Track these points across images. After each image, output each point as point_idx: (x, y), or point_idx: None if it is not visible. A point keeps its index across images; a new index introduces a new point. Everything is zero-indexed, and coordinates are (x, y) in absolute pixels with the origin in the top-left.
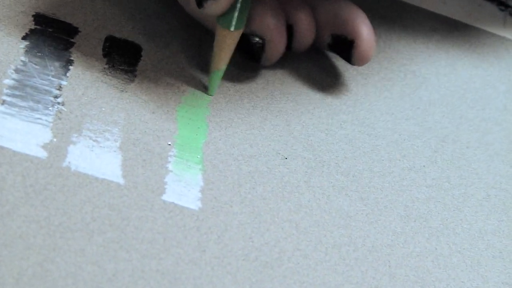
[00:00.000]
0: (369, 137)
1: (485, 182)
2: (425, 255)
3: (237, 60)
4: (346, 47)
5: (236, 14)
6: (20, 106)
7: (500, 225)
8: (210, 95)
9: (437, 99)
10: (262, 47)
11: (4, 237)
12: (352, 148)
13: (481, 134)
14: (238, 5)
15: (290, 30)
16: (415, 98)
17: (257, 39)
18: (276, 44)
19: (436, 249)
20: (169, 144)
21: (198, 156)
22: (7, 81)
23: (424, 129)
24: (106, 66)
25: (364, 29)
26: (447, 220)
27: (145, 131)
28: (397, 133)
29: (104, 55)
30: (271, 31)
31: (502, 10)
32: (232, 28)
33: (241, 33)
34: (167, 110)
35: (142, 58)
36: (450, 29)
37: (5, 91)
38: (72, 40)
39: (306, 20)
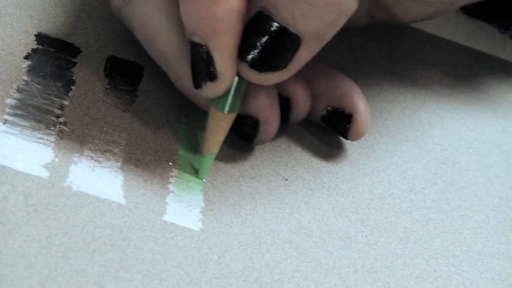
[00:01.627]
0: (369, 158)
1: (484, 205)
2: (424, 277)
3: None
4: (343, 121)
5: (231, 96)
6: (22, 126)
7: (499, 248)
8: (200, 179)
9: (436, 121)
10: (256, 127)
11: (6, 257)
12: (352, 170)
13: (481, 156)
14: (233, 88)
15: (286, 103)
16: (415, 120)
17: (251, 120)
18: (270, 125)
19: (436, 271)
20: (170, 165)
21: (199, 177)
22: (9, 101)
23: (424, 151)
24: (108, 86)
25: (362, 104)
26: (446, 242)
27: (146, 151)
28: (397, 155)
29: (106, 75)
30: (266, 112)
31: (502, 33)
32: (226, 111)
33: (235, 116)
34: (169, 131)
35: (143, 78)
36: (450, 51)
37: (7, 110)
38: (74, 60)
39: (302, 92)
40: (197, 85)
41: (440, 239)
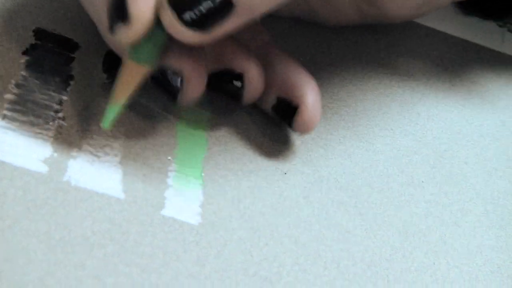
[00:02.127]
0: (367, 152)
1: (483, 198)
2: (423, 270)
3: None
4: (289, 112)
5: (146, 47)
6: (20, 121)
7: (498, 241)
8: (104, 127)
9: (435, 114)
10: (180, 84)
11: (5, 252)
12: (351, 164)
13: (479, 149)
14: (151, 39)
15: (239, 79)
16: (414, 114)
17: (175, 75)
18: (194, 82)
19: (434, 264)
20: (169, 159)
21: (198, 171)
22: (8, 96)
23: (423, 145)
24: (107, 81)
25: (310, 96)
26: (445, 235)
27: (145, 146)
28: (396, 148)
29: (104, 70)
30: (189, 67)
31: (501, 26)
32: (137, 60)
33: (147, 70)
34: (167, 125)
35: None
36: (449, 45)
37: (6, 105)
38: (72, 55)
39: (256, 70)
40: (112, 29)
41: (439, 232)
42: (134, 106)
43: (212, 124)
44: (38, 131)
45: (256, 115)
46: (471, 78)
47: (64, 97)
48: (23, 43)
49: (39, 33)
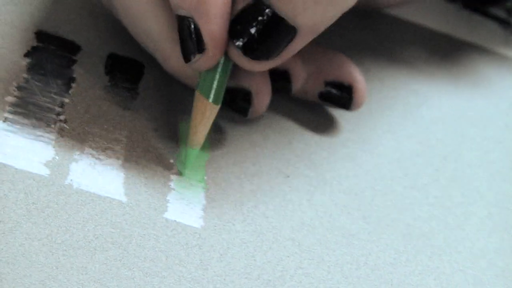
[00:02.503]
0: (371, 155)
1: (487, 201)
2: (427, 273)
3: None
4: (344, 93)
5: (215, 84)
6: (22, 124)
7: (502, 244)
8: (184, 173)
9: (438, 117)
10: (249, 100)
11: (7, 255)
12: (354, 167)
13: (483, 152)
14: (217, 76)
15: (285, 76)
16: (417, 117)
17: (243, 92)
18: (263, 95)
19: (438, 267)
20: (171, 162)
21: (201, 175)
22: (10, 98)
23: (426, 148)
24: (109, 84)
25: (358, 74)
26: (449, 238)
27: (147, 149)
28: (399, 151)
29: (107, 73)
30: (257, 83)
31: (504, 28)
32: (211, 99)
33: (218, 108)
34: (170, 128)
35: (144, 75)
36: (452, 47)
37: (8, 108)
38: (74, 57)
39: (299, 64)
40: (187, 59)
41: (443, 235)
42: (135, 109)
43: (215, 127)
44: (40, 133)
45: (258, 118)
46: (475, 81)
47: (66, 100)
48: (25, 46)
49: (41, 35)
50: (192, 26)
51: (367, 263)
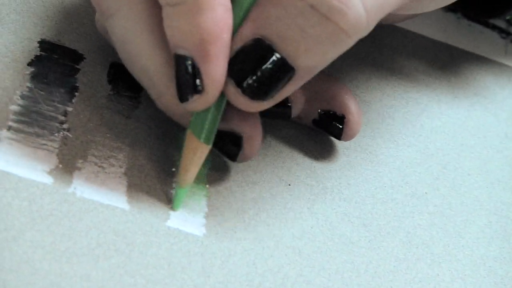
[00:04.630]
0: (371, 164)
1: (486, 209)
2: (427, 281)
3: None
4: (336, 123)
5: (207, 124)
6: (26, 132)
7: (502, 252)
8: (175, 210)
9: (438, 126)
10: (239, 144)
11: (11, 262)
12: (355, 175)
13: (483, 161)
14: (210, 116)
15: (285, 101)
16: (417, 126)
17: (233, 136)
18: (254, 141)
19: (438, 275)
20: (173, 170)
21: (202, 183)
22: (13, 107)
23: (426, 156)
24: (111, 93)
25: (353, 104)
26: (449, 246)
27: (150, 157)
28: (399, 160)
29: (109, 82)
30: (249, 128)
31: (504, 38)
32: (203, 138)
33: (210, 148)
34: (171, 136)
35: None
36: (452, 56)
37: (11, 117)
38: (77, 66)
39: (298, 89)
40: (183, 98)
41: (443, 243)
42: (138, 117)
43: None
44: (43, 142)
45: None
46: (474, 90)
47: (69, 108)
48: (28, 55)
49: (44, 44)
50: (191, 67)
51: (368, 271)
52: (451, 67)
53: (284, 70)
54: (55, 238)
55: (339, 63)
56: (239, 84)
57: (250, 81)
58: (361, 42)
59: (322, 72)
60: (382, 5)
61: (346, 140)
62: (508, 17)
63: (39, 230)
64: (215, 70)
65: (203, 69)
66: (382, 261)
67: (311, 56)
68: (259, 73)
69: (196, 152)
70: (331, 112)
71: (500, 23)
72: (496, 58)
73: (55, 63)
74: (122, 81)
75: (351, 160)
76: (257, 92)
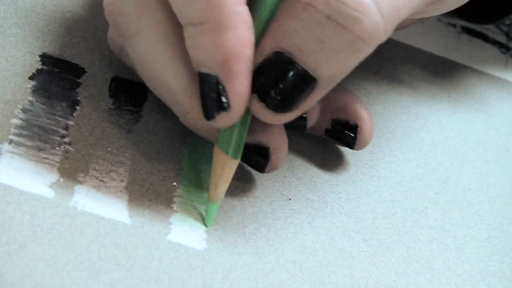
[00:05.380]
0: (372, 178)
1: (487, 224)
2: None
3: None
4: (349, 132)
5: (234, 139)
6: (27, 146)
7: (502, 267)
8: (207, 225)
9: (439, 141)
10: (266, 156)
11: (12, 276)
12: (355, 190)
13: (483, 176)
14: (236, 131)
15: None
16: (418, 140)
17: (261, 148)
18: (281, 151)
19: None
20: (175, 185)
21: (203, 197)
22: (15, 121)
23: (426, 171)
24: (112, 107)
25: (365, 113)
26: (449, 261)
27: (151, 171)
28: (400, 174)
29: (111, 96)
30: (275, 139)
31: (504, 53)
32: (231, 154)
33: (238, 163)
34: (173, 151)
35: (148, 98)
36: (452, 71)
37: (13, 130)
38: (78, 80)
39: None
40: (209, 116)
41: (443, 258)
42: (139, 131)
43: None
44: (45, 156)
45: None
46: (475, 104)
47: (70, 122)
48: (29, 68)
49: (45, 58)
50: (216, 85)
51: (368, 286)
52: (452, 82)
53: (306, 81)
54: (56, 252)
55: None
56: (262, 98)
57: (273, 95)
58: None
59: None
60: (398, 10)
61: (359, 149)
62: (507, 22)
63: (41, 244)
64: (240, 87)
65: (228, 86)
66: (382, 276)
67: (331, 66)
68: (281, 86)
69: (225, 168)
70: (343, 121)
71: (500, 37)
72: (496, 73)
73: (57, 77)
74: (124, 95)
75: (351, 175)
76: (281, 105)
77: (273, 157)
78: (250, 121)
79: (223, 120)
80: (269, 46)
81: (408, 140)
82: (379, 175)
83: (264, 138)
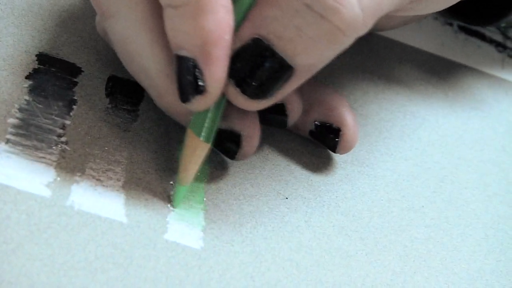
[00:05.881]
0: (368, 177)
1: (483, 223)
2: None
3: None
4: (331, 135)
5: (207, 123)
6: (24, 145)
7: (498, 265)
8: (175, 207)
9: (436, 140)
10: (238, 143)
11: (9, 275)
12: (352, 188)
13: (480, 175)
14: (210, 115)
15: (281, 109)
16: (414, 139)
17: (233, 135)
18: (253, 139)
19: None
20: (171, 183)
21: (200, 196)
22: (11, 120)
23: (423, 170)
24: (109, 106)
25: (349, 117)
26: (445, 260)
27: (147, 170)
28: (396, 173)
29: (107, 95)
30: (248, 126)
31: (500, 52)
32: (203, 137)
33: (209, 147)
34: (169, 150)
35: (144, 98)
36: (449, 70)
37: (9, 130)
38: (75, 79)
39: (295, 97)
40: (185, 99)
41: (440, 256)
42: (136, 131)
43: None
44: (41, 155)
45: None
46: (471, 103)
47: (67, 122)
48: (26, 68)
49: (42, 57)
50: (193, 68)
51: (365, 284)
52: (449, 81)
53: (283, 69)
54: (53, 251)
55: (336, 76)
56: (238, 83)
57: (249, 81)
58: (359, 55)
59: (321, 82)
60: (379, 4)
61: (341, 153)
62: (503, 25)
63: (38, 243)
64: (217, 72)
65: (205, 70)
66: (379, 274)
67: (308, 55)
68: (258, 73)
69: (196, 151)
70: (327, 124)
71: (497, 36)
72: (493, 71)
73: (53, 76)
74: (120, 95)
75: (348, 174)
76: (257, 92)
77: (244, 144)
78: (225, 107)
79: (198, 103)
80: (248, 32)
81: (404, 139)
82: (375, 174)
83: (237, 125)
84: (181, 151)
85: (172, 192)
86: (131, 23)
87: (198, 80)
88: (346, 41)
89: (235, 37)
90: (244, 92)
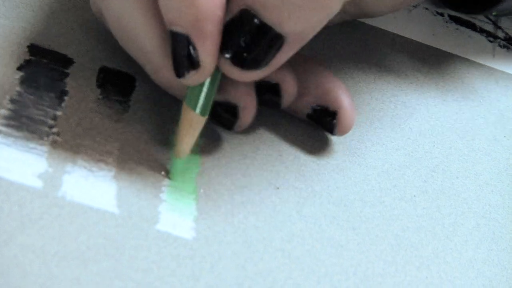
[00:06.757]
0: (360, 167)
1: (475, 212)
2: (416, 284)
3: None
4: (328, 118)
5: (202, 96)
6: (15, 136)
7: (490, 254)
8: (172, 179)
9: (427, 129)
10: (235, 114)
11: (1, 266)
12: (343, 178)
13: (471, 164)
14: (205, 89)
15: (275, 89)
16: (406, 129)
17: (229, 106)
18: (249, 110)
19: (427, 278)
20: (163, 174)
21: (192, 186)
22: (3, 111)
23: (415, 159)
24: (100, 97)
25: (346, 100)
26: (437, 249)
27: (139, 161)
28: (388, 163)
29: (98, 86)
30: (244, 97)
31: (491, 41)
32: (198, 111)
33: (206, 120)
34: (161, 140)
35: (136, 88)
36: (440, 60)
37: (1, 121)
38: (66, 71)
39: (290, 78)
40: (180, 74)
41: (431, 246)
42: (127, 121)
43: (205, 139)
44: (33, 146)
45: (248, 130)
46: (463, 93)
47: (59, 113)
48: (17, 59)
49: (33, 49)
50: (187, 44)
51: (356, 274)
52: (439, 71)
53: (273, 38)
54: (45, 242)
55: (327, 66)
56: (231, 56)
57: (242, 52)
58: (349, 45)
59: (317, 65)
60: None
61: (340, 135)
62: (494, 13)
63: (29, 234)
64: (211, 47)
65: (199, 46)
66: (371, 264)
67: (295, 21)
68: (249, 43)
69: (192, 124)
70: (324, 107)
71: (488, 26)
72: (484, 61)
73: (45, 68)
74: (111, 85)
75: (339, 164)
76: (248, 62)
77: (241, 114)
78: (220, 80)
79: (193, 78)
80: (236, 5)
81: (396, 129)
82: (367, 164)
83: (233, 96)
84: (177, 125)
85: (164, 183)
86: (127, 1)
87: (192, 56)
88: (333, 6)
89: (227, 11)
90: (237, 64)
